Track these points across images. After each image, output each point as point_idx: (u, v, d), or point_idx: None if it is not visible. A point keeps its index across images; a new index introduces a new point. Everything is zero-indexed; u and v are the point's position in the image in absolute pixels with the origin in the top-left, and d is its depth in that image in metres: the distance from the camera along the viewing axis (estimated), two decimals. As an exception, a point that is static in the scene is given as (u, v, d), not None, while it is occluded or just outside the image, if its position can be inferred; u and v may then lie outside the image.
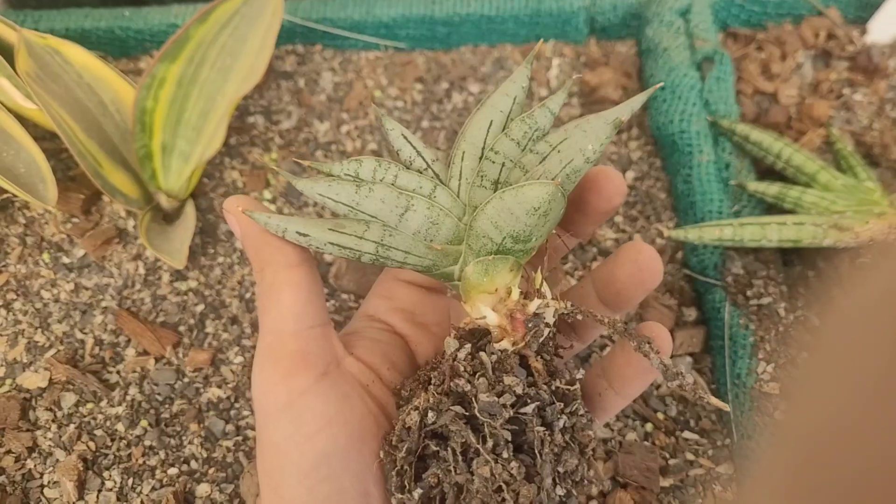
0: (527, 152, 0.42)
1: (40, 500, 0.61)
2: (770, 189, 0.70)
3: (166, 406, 0.66)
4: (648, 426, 0.65)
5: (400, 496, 0.41)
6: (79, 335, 0.69)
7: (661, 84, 0.46)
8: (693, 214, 0.73)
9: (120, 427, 0.64)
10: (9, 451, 0.63)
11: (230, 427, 0.65)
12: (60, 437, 0.63)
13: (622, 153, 0.81)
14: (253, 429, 0.65)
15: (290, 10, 0.85)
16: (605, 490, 0.62)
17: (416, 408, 0.42)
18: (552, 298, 0.43)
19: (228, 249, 0.74)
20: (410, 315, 0.51)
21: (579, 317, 0.43)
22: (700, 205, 0.72)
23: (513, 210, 0.40)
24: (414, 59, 0.87)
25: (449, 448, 0.40)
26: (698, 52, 0.79)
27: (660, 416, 0.66)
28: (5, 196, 0.75)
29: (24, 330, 0.69)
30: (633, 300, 0.46)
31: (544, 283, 0.44)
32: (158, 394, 0.66)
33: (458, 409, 0.41)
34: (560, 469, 0.41)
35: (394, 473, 0.41)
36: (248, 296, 0.71)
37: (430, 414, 0.41)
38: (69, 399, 0.65)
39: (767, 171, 0.75)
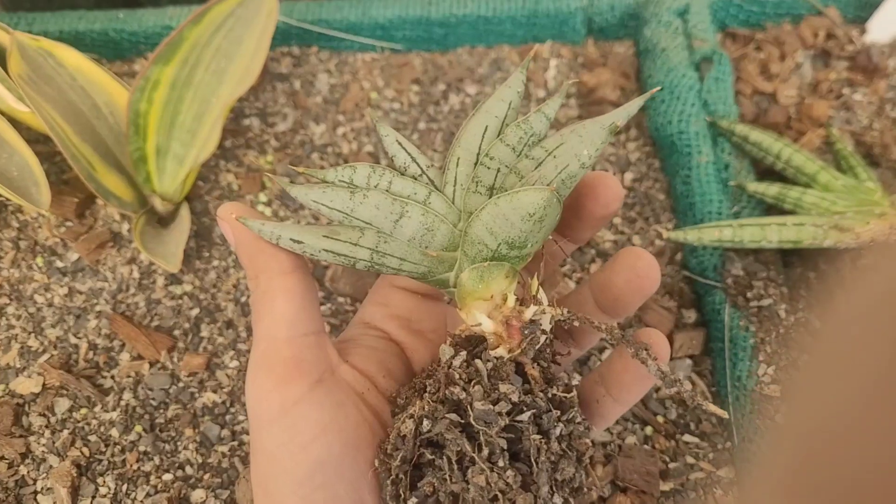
0: (522, 157, 0.41)
1: (34, 508, 0.61)
2: (770, 190, 0.69)
3: (161, 411, 0.65)
4: (648, 429, 0.65)
5: (395, 505, 0.41)
6: (72, 340, 0.68)
7: (659, 88, 0.46)
8: (692, 215, 0.72)
9: (114, 432, 0.64)
10: (2, 458, 0.62)
11: (225, 432, 0.64)
12: (54, 442, 0.63)
13: (621, 154, 0.80)
14: (248, 434, 0.64)
15: (285, 12, 0.85)
16: (604, 494, 0.61)
17: (412, 416, 0.41)
18: (548, 305, 0.43)
19: (223, 253, 0.73)
20: (406, 322, 0.51)
21: (576, 323, 0.43)
22: (699, 206, 0.71)
23: (508, 216, 0.39)
24: (410, 60, 0.87)
25: (444, 456, 0.40)
26: (697, 53, 0.79)
27: (660, 419, 0.65)
28: (-1, 200, 0.75)
29: (17, 335, 0.68)
30: (630, 306, 0.46)
31: (540, 290, 0.43)
32: (153, 399, 0.66)
33: (453, 417, 0.40)
34: (557, 477, 0.40)
35: (389, 482, 0.41)
36: (243, 299, 0.71)
37: (426, 422, 0.40)
38: (63, 404, 0.65)
39: (767, 172, 0.74)
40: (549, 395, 0.42)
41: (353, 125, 0.82)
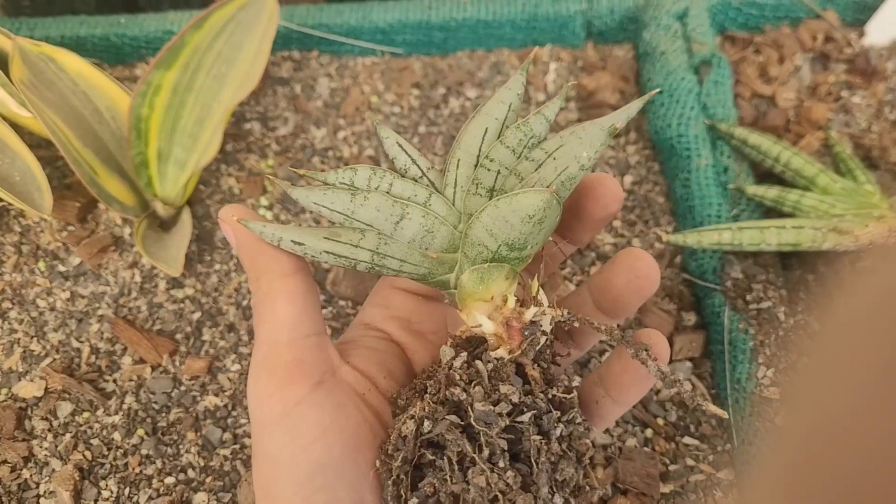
0: (522, 159, 0.41)
1: (36, 511, 0.61)
2: (769, 192, 0.70)
3: (163, 415, 0.65)
4: (648, 432, 0.65)
5: (396, 505, 0.41)
6: (75, 344, 0.69)
7: (659, 90, 0.46)
8: (692, 218, 0.72)
9: (116, 436, 0.64)
10: (4, 461, 0.62)
11: (227, 435, 0.64)
12: (56, 446, 0.63)
13: (620, 157, 0.80)
14: (250, 437, 0.64)
15: (285, 16, 0.85)
16: (605, 496, 0.61)
17: (412, 417, 0.41)
18: (549, 306, 0.43)
19: (225, 256, 0.74)
20: (407, 323, 0.51)
21: (576, 324, 0.43)
22: (699, 209, 0.71)
23: (508, 218, 0.40)
24: (411, 64, 0.87)
25: (445, 457, 0.40)
26: (696, 56, 0.79)
27: (660, 421, 0.65)
28: (0, 204, 0.75)
29: (19, 339, 0.68)
30: (630, 307, 0.46)
31: (541, 291, 0.43)
32: (155, 402, 0.66)
33: (453, 417, 0.40)
34: (557, 477, 0.41)
35: (390, 483, 0.41)
36: (244, 303, 0.71)
37: (426, 423, 0.41)
38: (65, 408, 0.65)
39: (766, 175, 0.75)
40: (550, 396, 0.42)
41: (353, 129, 0.82)
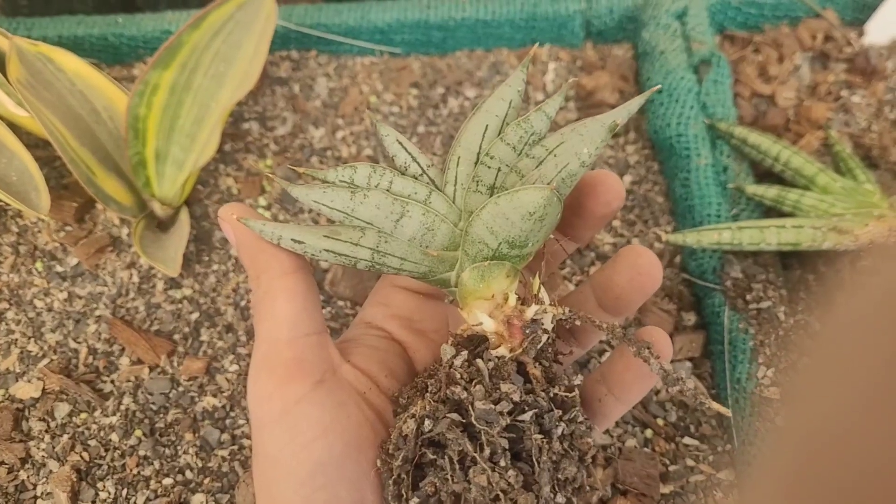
0: (523, 157, 0.41)
1: (34, 512, 0.61)
2: (768, 192, 0.69)
3: (161, 415, 0.65)
4: (648, 432, 0.65)
5: (397, 505, 0.41)
6: (72, 344, 0.68)
7: (658, 87, 0.46)
8: (691, 218, 0.72)
9: (114, 437, 0.64)
10: (2, 463, 0.62)
11: (225, 436, 0.64)
12: (54, 447, 0.63)
13: (620, 157, 0.80)
14: (249, 438, 0.64)
15: (284, 16, 0.85)
16: (604, 497, 0.61)
17: (413, 415, 0.41)
18: (550, 304, 0.43)
19: (223, 257, 0.73)
20: (408, 322, 0.51)
21: (577, 322, 0.43)
22: (698, 208, 0.71)
23: (508, 215, 0.39)
24: (409, 64, 0.87)
25: (446, 456, 0.40)
26: (695, 55, 0.79)
27: (660, 421, 0.65)
28: (-2, 205, 0.75)
29: (16, 339, 0.68)
30: (632, 305, 0.46)
31: (542, 289, 0.43)
32: (153, 403, 0.65)
33: (454, 416, 0.40)
34: (559, 476, 0.40)
35: (391, 482, 0.41)
36: (243, 303, 0.71)
37: (427, 422, 0.40)
38: (62, 409, 0.65)
39: (766, 174, 0.75)
40: (551, 395, 0.42)
41: (352, 129, 0.82)
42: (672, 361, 0.67)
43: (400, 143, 0.42)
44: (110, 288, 0.71)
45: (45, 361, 0.67)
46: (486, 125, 0.42)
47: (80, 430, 0.64)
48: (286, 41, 0.87)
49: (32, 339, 0.68)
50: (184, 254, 0.69)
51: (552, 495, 0.40)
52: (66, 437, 0.63)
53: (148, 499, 0.61)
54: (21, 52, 0.66)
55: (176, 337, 0.69)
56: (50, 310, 0.70)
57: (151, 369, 0.67)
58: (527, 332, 0.41)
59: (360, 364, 0.46)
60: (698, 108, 0.76)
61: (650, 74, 0.81)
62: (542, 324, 0.42)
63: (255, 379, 0.42)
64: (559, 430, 0.41)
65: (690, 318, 0.70)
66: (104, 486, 0.61)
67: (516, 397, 0.40)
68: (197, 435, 0.64)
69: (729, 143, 0.74)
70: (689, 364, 0.68)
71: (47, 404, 0.65)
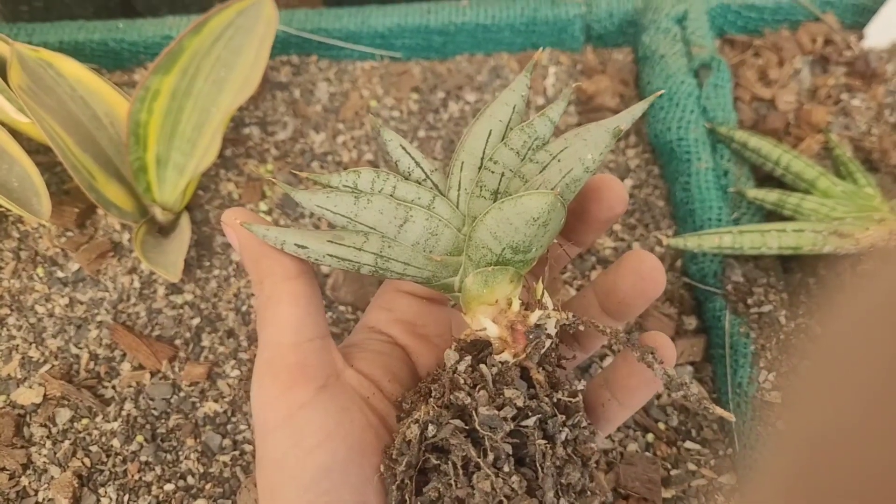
0: (526, 162, 0.41)
1: (35, 518, 0.61)
2: (769, 196, 0.69)
3: (162, 421, 0.65)
4: (650, 437, 0.65)
5: (401, 510, 0.40)
6: (73, 350, 0.68)
7: (662, 92, 0.46)
8: (692, 222, 0.72)
9: (115, 443, 0.63)
10: (3, 469, 0.62)
11: (227, 441, 0.64)
12: (55, 453, 0.63)
13: (620, 161, 0.80)
14: (250, 443, 0.64)
15: (284, 21, 0.85)
16: (606, 502, 0.61)
17: (417, 421, 0.41)
18: (553, 309, 0.43)
19: (224, 262, 0.73)
20: (411, 326, 0.51)
21: (581, 327, 0.42)
22: (699, 212, 0.71)
23: (512, 220, 0.39)
24: (410, 68, 0.87)
25: (450, 462, 0.40)
26: (695, 59, 0.79)
27: (661, 426, 0.65)
28: (-1, 210, 0.75)
29: (18, 345, 0.68)
30: (635, 310, 0.46)
31: (545, 294, 0.43)
32: (154, 408, 0.65)
33: (458, 422, 0.40)
34: (562, 482, 0.40)
35: (394, 487, 0.41)
36: (244, 308, 0.71)
37: (431, 427, 0.40)
38: (64, 415, 0.65)
39: (766, 178, 0.75)
40: (555, 400, 0.42)
41: (352, 133, 0.82)
42: (674, 365, 0.67)
43: (403, 147, 0.42)
44: (111, 293, 0.71)
45: (47, 367, 0.67)
46: (490, 130, 0.42)
47: (81, 435, 0.64)
48: (287, 46, 0.87)
49: (34, 345, 0.68)
50: (185, 259, 0.69)
51: (556, 500, 0.40)
52: (67, 442, 0.63)
53: (150, 504, 0.61)
54: (22, 58, 0.66)
55: (177, 342, 0.69)
56: (51, 315, 0.70)
57: (153, 375, 0.67)
58: (530, 337, 0.41)
59: (364, 369, 0.46)
60: (699, 112, 0.76)
61: (650, 78, 0.81)
62: (546, 329, 0.42)
63: (259, 384, 0.42)
64: (563, 436, 0.41)
65: (691, 322, 0.70)
66: (106, 492, 0.61)
67: (520, 403, 0.40)
68: (198, 440, 0.64)
69: (729, 147, 0.75)
70: (690, 368, 0.68)
71: (48, 410, 0.65)
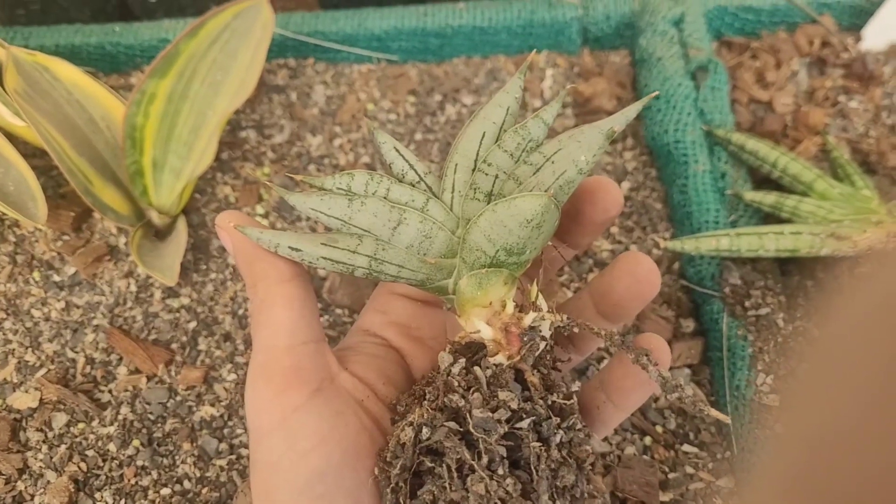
0: (520, 164, 0.41)
1: (31, 523, 0.61)
2: (767, 198, 0.69)
3: (159, 425, 0.65)
4: (647, 440, 0.65)
5: (395, 513, 0.40)
6: (70, 354, 0.68)
7: (656, 94, 0.46)
8: (689, 225, 0.72)
9: (112, 447, 0.63)
10: (-1, 473, 0.62)
11: (223, 446, 0.64)
12: (51, 458, 0.63)
13: (617, 163, 0.80)
14: (246, 447, 0.64)
15: (281, 24, 0.85)
16: (604, 504, 0.61)
17: (411, 423, 0.41)
18: (548, 311, 0.42)
19: (221, 265, 0.73)
20: (406, 329, 0.51)
21: (576, 329, 0.42)
22: (696, 215, 0.71)
23: (506, 223, 0.39)
24: (406, 71, 0.87)
25: (444, 464, 0.40)
26: (692, 62, 0.79)
27: (658, 429, 0.65)
28: (-5, 214, 0.74)
29: (14, 349, 0.68)
30: (631, 312, 0.46)
31: (540, 296, 0.43)
32: (151, 413, 0.65)
33: (452, 424, 0.40)
34: (557, 484, 0.40)
35: (388, 490, 0.40)
36: (240, 312, 0.71)
37: (425, 430, 0.40)
38: (60, 419, 0.64)
39: (764, 181, 0.74)
40: (549, 402, 0.41)
41: (349, 136, 0.82)
42: (671, 368, 0.67)
43: (397, 150, 0.42)
44: (108, 297, 0.71)
45: (43, 371, 0.67)
46: (484, 132, 0.42)
47: (77, 440, 0.64)
48: (283, 49, 0.87)
49: (30, 349, 0.68)
50: (181, 263, 0.69)
51: (550, 503, 0.40)
52: (63, 447, 0.63)
53: (146, 509, 0.61)
54: (18, 62, 0.66)
55: (174, 346, 0.69)
56: (47, 319, 0.70)
57: (149, 379, 0.67)
58: (525, 339, 0.41)
59: (358, 372, 0.46)
60: (696, 115, 0.76)
61: (647, 81, 0.81)
62: (540, 331, 0.42)
63: (253, 387, 0.42)
64: (557, 438, 0.41)
65: (689, 325, 0.70)
66: (102, 497, 0.61)
67: (514, 405, 0.40)
68: (195, 444, 0.64)
69: (727, 150, 0.74)
70: (687, 371, 0.68)
71: (45, 414, 0.64)
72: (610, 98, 0.83)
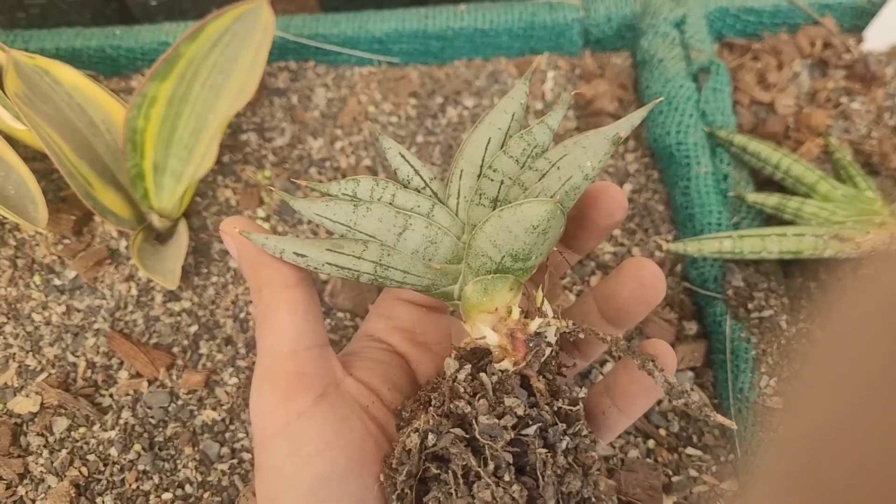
0: (525, 169, 0.41)
1: (33, 528, 0.60)
2: (769, 200, 0.69)
3: (160, 429, 0.65)
4: (651, 443, 0.64)
5: (401, 520, 0.40)
6: (71, 358, 0.68)
7: (661, 99, 0.46)
8: (692, 227, 0.72)
9: (113, 451, 0.63)
10: (0, 478, 0.62)
11: (225, 450, 0.64)
12: (52, 462, 0.62)
13: (619, 166, 0.80)
14: (248, 451, 0.64)
15: (281, 27, 0.85)
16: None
17: (416, 430, 0.41)
18: (553, 317, 0.42)
19: (222, 269, 0.73)
20: (411, 334, 0.51)
21: (581, 335, 0.42)
22: (699, 217, 0.71)
23: (511, 228, 0.39)
24: (408, 73, 0.87)
25: (450, 471, 0.40)
26: (694, 63, 0.79)
27: (662, 432, 0.65)
28: (-5, 218, 0.74)
29: (14, 354, 0.68)
30: (636, 317, 0.46)
31: (545, 302, 0.43)
32: (152, 417, 0.65)
33: (458, 431, 0.40)
34: (563, 490, 0.40)
35: (394, 497, 0.40)
36: (242, 316, 0.70)
37: (430, 436, 0.40)
38: (61, 424, 0.64)
39: (766, 182, 0.74)
40: (555, 409, 0.41)
41: (350, 139, 0.82)
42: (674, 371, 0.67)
43: (402, 155, 0.42)
44: (109, 301, 0.71)
45: (44, 375, 0.67)
46: (489, 138, 0.42)
47: (78, 444, 0.64)
48: (284, 52, 0.87)
49: (30, 353, 0.68)
50: (182, 266, 0.68)
51: (558, 510, 0.40)
52: (64, 451, 0.63)
53: (148, 514, 0.61)
54: (18, 65, 0.66)
55: (175, 350, 0.69)
56: (48, 323, 0.70)
57: (150, 383, 0.67)
58: (530, 345, 0.41)
59: (363, 377, 0.46)
60: (698, 117, 0.75)
61: (649, 83, 0.81)
62: (546, 337, 0.42)
63: (258, 392, 0.42)
64: (563, 444, 0.41)
65: (692, 328, 0.70)
66: (103, 502, 0.61)
67: (520, 411, 0.40)
68: (196, 449, 0.64)
69: (729, 151, 0.74)
70: (690, 373, 0.67)
71: (45, 419, 0.64)
72: (611, 100, 0.83)
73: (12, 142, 0.66)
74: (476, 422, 0.39)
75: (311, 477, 0.40)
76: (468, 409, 0.40)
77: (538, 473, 0.40)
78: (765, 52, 0.85)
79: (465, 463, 0.39)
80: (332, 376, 0.44)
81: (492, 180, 0.41)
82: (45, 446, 0.63)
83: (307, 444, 0.40)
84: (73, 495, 0.61)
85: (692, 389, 0.65)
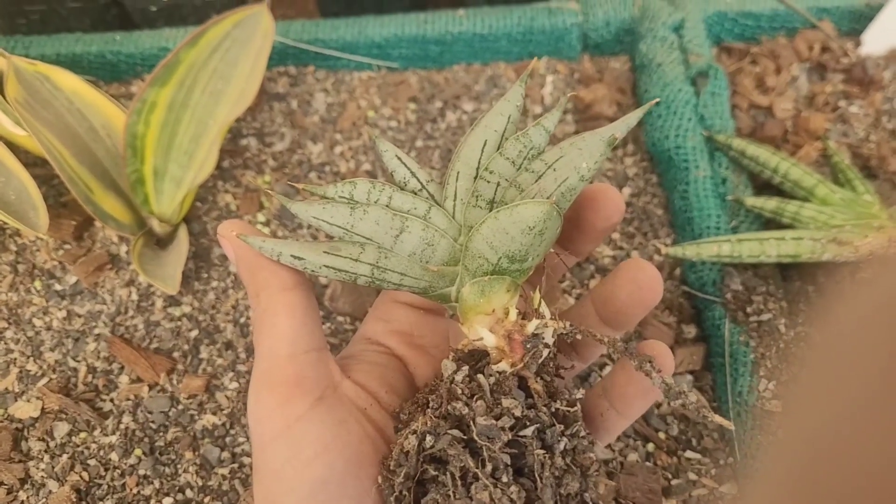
0: (522, 171, 0.41)
1: (33, 533, 0.60)
2: (768, 204, 0.69)
3: (161, 434, 0.65)
4: (650, 446, 0.64)
5: (399, 522, 0.40)
6: (71, 363, 0.68)
7: (657, 100, 0.46)
8: (691, 230, 0.72)
9: (114, 456, 0.63)
10: (1, 483, 0.62)
11: (226, 454, 0.64)
12: (53, 467, 0.62)
13: (618, 169, 0.80)
14: (249, 456, 0.64)
15: (281, 32, 0.85)
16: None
17: (414, 432, 0.41)
18: (551, 318, 0.42)
19: (222, 273, 0.73)
20: (409, 337, 0.51)
21: (578, 336, 0.42)
22: (697, 221, 0.71)
23: (508, 230, 0.39)
24: (407, 78, 0.87)
25: (448, 472, 0.40)
26: (692, 67, 0.79)
27: (661, 435, 0.65)
28: (-4, 223, 0.74)
29: (15, 359, 0.68)
30: (633, 319, 0.46)
31: (542, 303, 0.43)
32: (152, 422, 0.65)
33: (455, 432, 0.40)
34: (561, 492, 0.40)
35: (392, 499, 0.40)
36: (242, 320, 0.71)
37: (428, 438, 0.40)
38: (62, 428, 0.64)
39: (765, 186, 0.74)
40: (553, 410, 0.41)
41: (350, 144, 0.82)
42: (673, 374, 0.66)
43: (399, 158, 0.42)
44: (109, 306, 0.71)
45: (44, 380, 0.67)
46: (485, 140, 0.42)
47: (79, 449, 0.64)
48: (284, 57, 0.87)
49: (31, 359, 0.68)
50: (183, 271, 0.69)
51: (555, 511, 0.40)
52: (65, 456, 0.63)
53: (148, 518, 0.61)
54: (19, 71, 0.66)
55: (175, 355, 0.69)
56: (49, 328, 0.70)
57: (151, 387, 0.67)
58: (528, 346, 0.41)
59: (361, 380, 0.46)
60: (696, 120, 0.76)
61: (648, 87, 0.81)
62: (544, 338, 0.42)
63: (256, 396, 0.42)
64: (561, 446, 0.41)
65: (691, 331, 0.70)
66: (104, 506, 0.61)
67: (518, 412, 0.40)
68: (197, 453, 0.64)
69: (727, 155, 0.75)
70: (689, 377, 0.67)
71: (46, 424, 0.64)
72: (610, 104, 0.83)
73: (13, 147, 0.66)
74: (474, 423, 0.39)
75: (309, 480, 0.40)
76: (466, 410, 0.40)
77: (536, 475, 0.39)
78: (763, 56, 0.85)
79: (462, 464, 0.39)
80: (330, 379, 0.44)
81: (488, 182, 0.41)
82: (45, 451, 0.63)
83: (306, 447, 0.40)
84: (74, 500, 0.61)
85: (690, 391, 0.65)
